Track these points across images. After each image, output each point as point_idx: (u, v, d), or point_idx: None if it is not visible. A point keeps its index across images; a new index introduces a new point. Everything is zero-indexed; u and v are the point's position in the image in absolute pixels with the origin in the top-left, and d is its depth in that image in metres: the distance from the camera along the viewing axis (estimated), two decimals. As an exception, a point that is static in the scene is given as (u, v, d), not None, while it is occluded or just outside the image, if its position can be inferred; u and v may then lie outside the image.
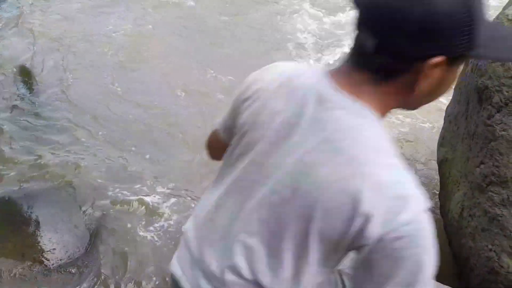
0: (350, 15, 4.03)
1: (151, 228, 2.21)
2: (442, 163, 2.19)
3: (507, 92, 1.57)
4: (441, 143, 2.27)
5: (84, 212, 2.22)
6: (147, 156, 2.66)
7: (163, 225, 2.23)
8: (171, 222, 2.25)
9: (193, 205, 2.32)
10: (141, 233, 2.17)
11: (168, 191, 2.43)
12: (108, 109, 2.98)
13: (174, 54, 3.62)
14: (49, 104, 2.97)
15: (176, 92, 3.19)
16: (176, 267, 0.88)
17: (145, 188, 2.43)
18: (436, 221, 2.38)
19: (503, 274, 1.53)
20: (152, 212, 2.30)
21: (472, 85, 1.81)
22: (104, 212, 2.24)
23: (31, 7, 3.96)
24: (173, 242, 2.12)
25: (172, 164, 2.63)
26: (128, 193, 2.36)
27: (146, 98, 3.12)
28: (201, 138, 1.36)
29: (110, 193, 2.35)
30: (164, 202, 2.35)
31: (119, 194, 2.35)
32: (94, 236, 2.11)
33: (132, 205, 2.31)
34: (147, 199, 2.35)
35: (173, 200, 2.37)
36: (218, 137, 0.95)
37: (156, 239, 2.16)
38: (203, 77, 3.38)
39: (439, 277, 1.61)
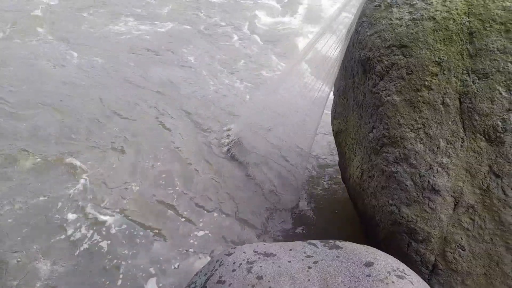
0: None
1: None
2: (337, 134, 2.34)
3: (386, 61, 1.74)
4: (334, 116, 2.42)
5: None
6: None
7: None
8: None
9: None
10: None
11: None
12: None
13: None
14: None
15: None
16: None
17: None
18: (341, 189, 2.57)
19: (404, 224, 1.70)
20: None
21: (356, 59, 1.96)
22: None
23: None
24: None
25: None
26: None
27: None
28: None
29: None
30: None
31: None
32: None
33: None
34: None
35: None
36: None
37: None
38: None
39: (352, 239, 1.74)
